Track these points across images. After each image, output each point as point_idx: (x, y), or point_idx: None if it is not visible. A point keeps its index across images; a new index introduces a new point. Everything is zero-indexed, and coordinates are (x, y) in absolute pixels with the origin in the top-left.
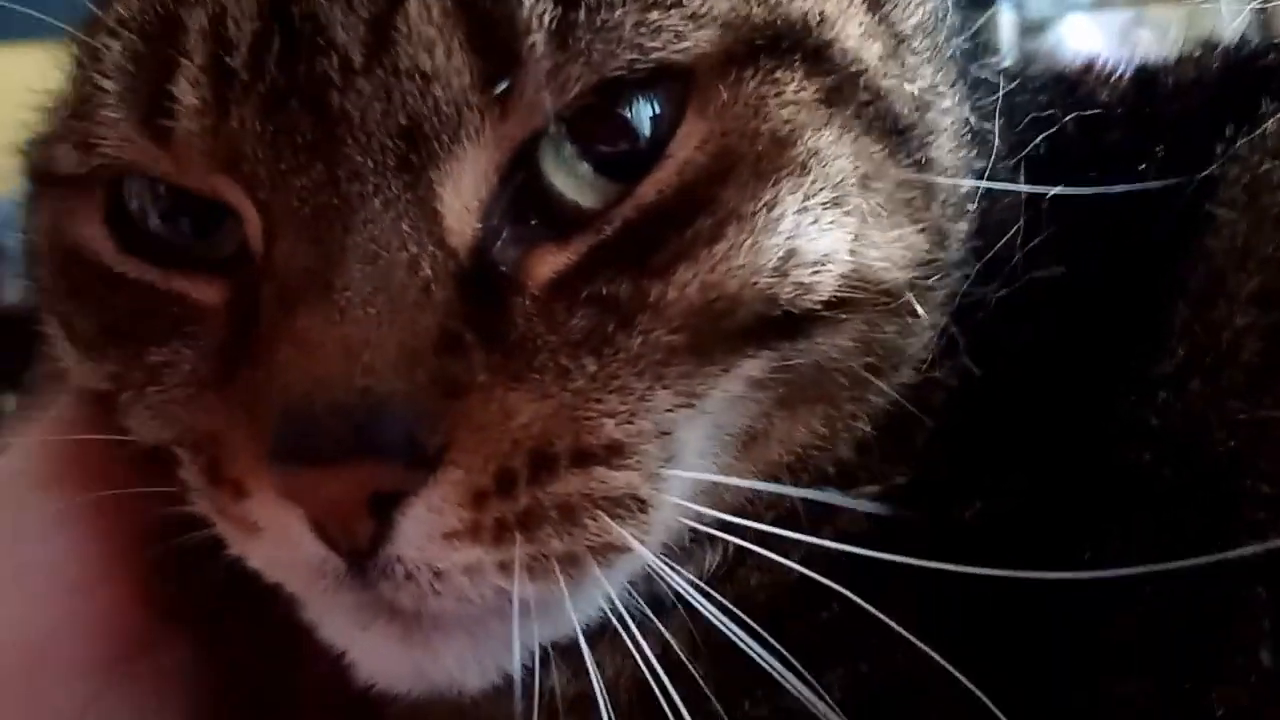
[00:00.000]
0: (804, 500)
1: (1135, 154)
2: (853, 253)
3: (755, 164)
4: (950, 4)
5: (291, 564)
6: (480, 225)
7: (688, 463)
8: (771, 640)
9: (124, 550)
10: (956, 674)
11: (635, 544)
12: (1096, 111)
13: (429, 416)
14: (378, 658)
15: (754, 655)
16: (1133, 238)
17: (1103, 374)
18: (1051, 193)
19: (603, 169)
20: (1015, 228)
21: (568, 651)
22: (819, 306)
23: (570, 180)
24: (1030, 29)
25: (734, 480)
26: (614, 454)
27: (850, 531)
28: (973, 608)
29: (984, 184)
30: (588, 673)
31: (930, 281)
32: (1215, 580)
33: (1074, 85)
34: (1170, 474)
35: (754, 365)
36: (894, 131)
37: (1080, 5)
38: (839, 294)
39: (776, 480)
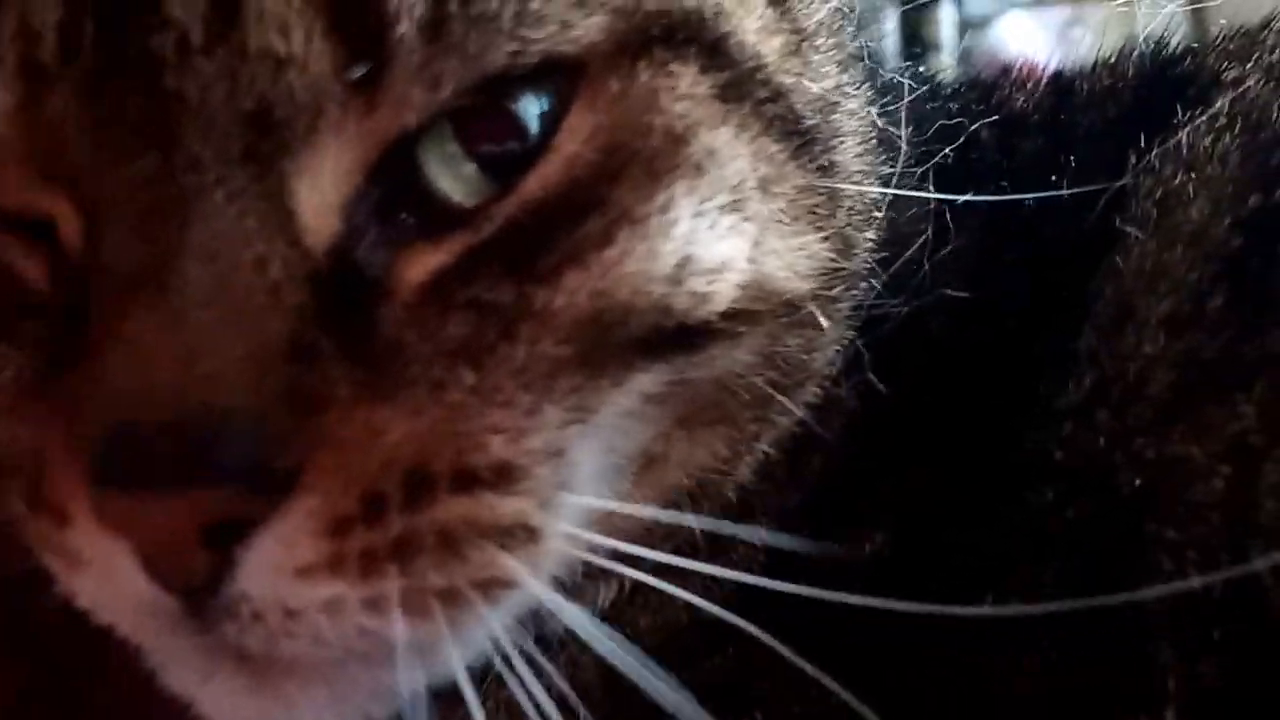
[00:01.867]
0: (704, 531)
1: (1047, 165)
2: (752, 260)
3: (649, 162)
4: (856, 2)
5: (120, 603)
6: (342, 225)
7: (582, 487)
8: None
9: None
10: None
11: (526, 578)
12: (1009, 119)
13: (278, 435)
14: (226, 709)
15: (653, 691)
16: (1043, 255)
17: (1009, 401)
18: (960, 200)
19: (488, 168)
20: (922, 239)
21: (444, 696)
22: (715, 318)
23: (453, 181)
24: (971, 25)
25: (630, 508)
26: (502, 477)
27: (748, 564)
28: (872, 650)
29: (890, 191)
30: (467, 717)
31: (834, 292)
32: (1119, 635)
33: (989, 92)
34: (1074, 514)
35: (648, 380)
36: (795, 133)
37: (1020, 2)
38: (737, 305)
39: (675, 508)
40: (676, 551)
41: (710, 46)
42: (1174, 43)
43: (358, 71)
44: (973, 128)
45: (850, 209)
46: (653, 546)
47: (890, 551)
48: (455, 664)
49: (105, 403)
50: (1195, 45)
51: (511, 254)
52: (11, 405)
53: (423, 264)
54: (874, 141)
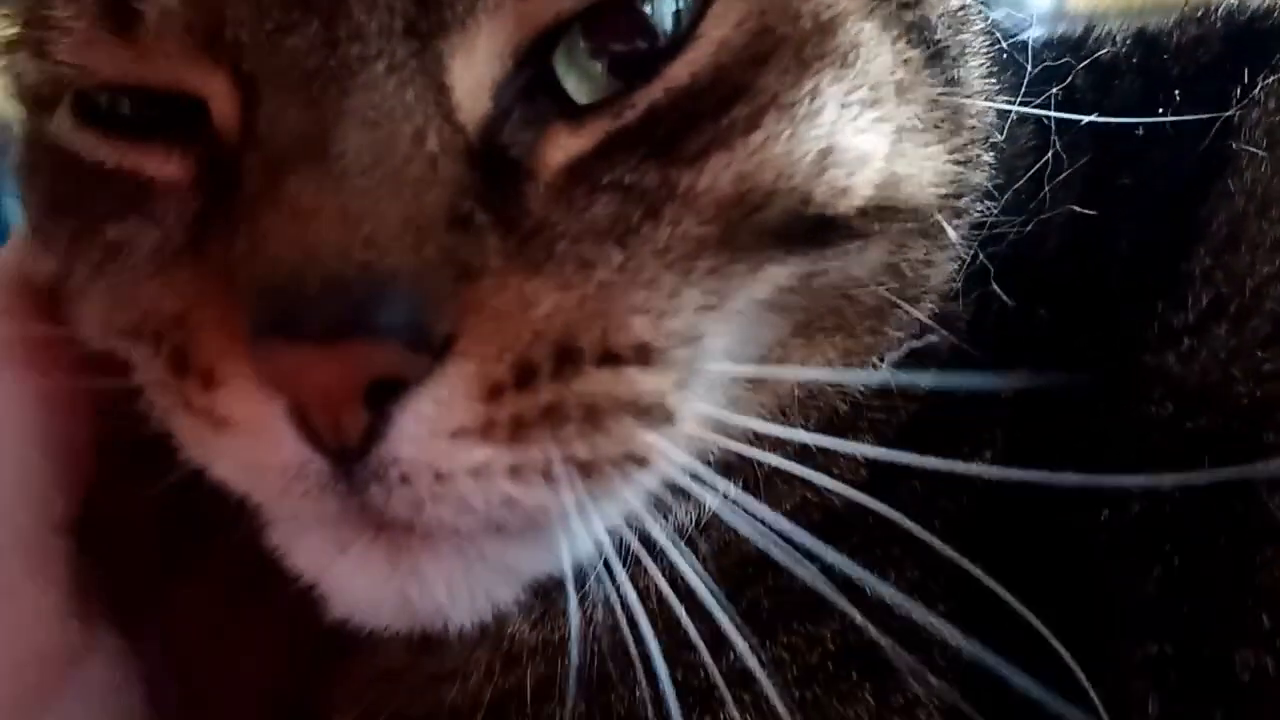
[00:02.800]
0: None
1: (1150, 100)
2: (888, 160)
3: (797, 49)
4: None
5: (266, 466)
6: (492, 105)
7: (712, 379)
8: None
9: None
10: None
11: (662, 454)
12: (1103, 65)
13: (437, 299)
14: (357, 584)
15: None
16: (1154, 179)
17: (1127, 317)
18: (1080, 122)
19: (618, 69)
20: (1039, 162)
21: (541, 592)
22: (852, 211)
23: (579, 82)
24: None
25: (742, 422)
26: (642, 357)
27: (850, 474)
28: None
29: (1014, 107)
30: (560, 615)
31: (960, 204)
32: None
33: (1078, 43)
34: (1192, 427)
35: (782, 272)
36: (928, 42)
37: None
38: (872, 202)
39: (785, 416)
40: (788, 456)
41: None
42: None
43: None
44: (1076, 68)
45: (973, 127)
46: (764, 448)
47: (1006, 461)
48: (591, 538)
49: (267, 262)
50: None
51: (656, 139)
52: (153, 274)
53: (564, 148)
54: (995, 63)
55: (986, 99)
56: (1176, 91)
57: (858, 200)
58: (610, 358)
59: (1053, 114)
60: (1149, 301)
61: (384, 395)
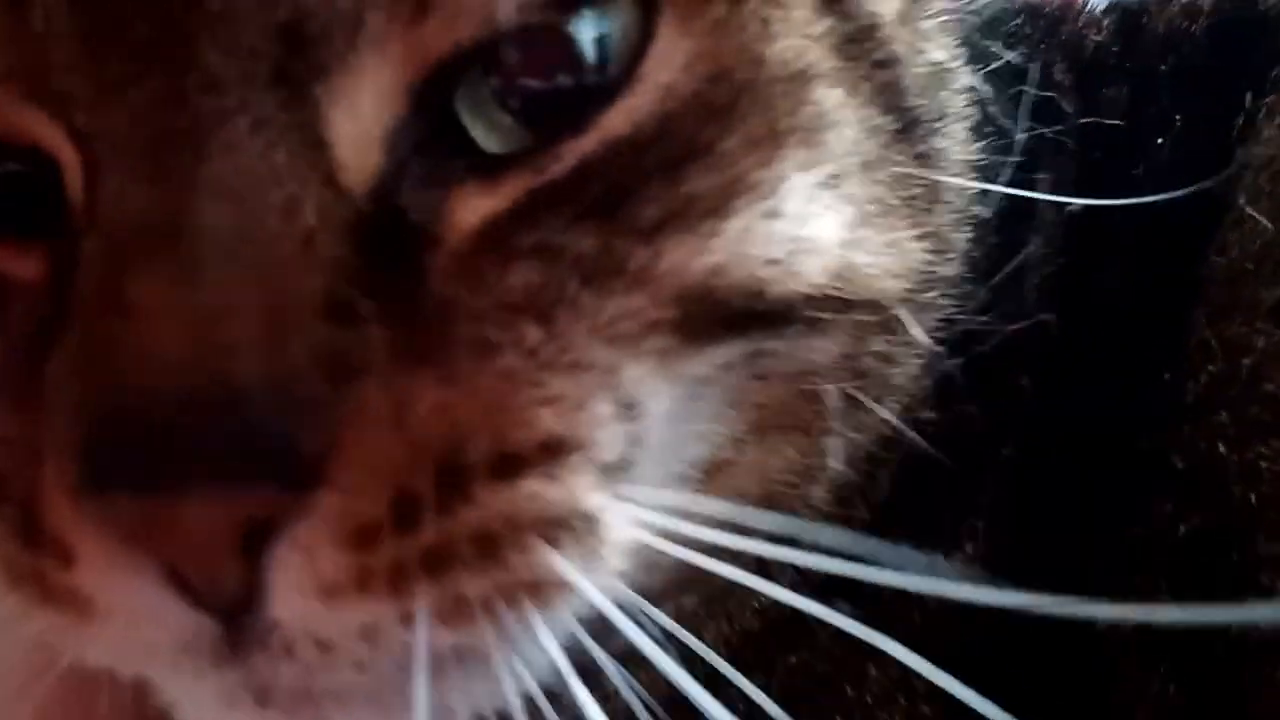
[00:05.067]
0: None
1: (1140, 114)
2: (844, 247)
3: (765, 106)
4: None
5: (149, 642)
6: (384, 160)
7: (651, 473)
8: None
9: None
10: None
11: (580, 578)
12: (1086, 62)
13: (310, 409)
14: None
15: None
16: (1150, 229)
17: (1122, 406)
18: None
19: (538, 114)
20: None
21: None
22: (799, 299)
23: (492, 130)
24: None
25: (702, 503)
26: (552, 455)
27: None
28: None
29: (995, 188)
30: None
31: (926, 298)
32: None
33: (1055, 25)
34: (1187, 529)
35: (730, 352)
36: (900, 109)
37: None
38: (822, 291)
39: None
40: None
41: None
42: None
43: None
44: (1048, 69)
45: (950, 203)
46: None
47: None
48: (517, 675)
49: (97, 387)
50: None
51: (592, 199)
52: None
53: (475, 209)
54: (977, 122)
55: (967, 172)
56: (1169, 103)
57: (804, 287)
58: (509, 464)
59: (1040, 196)
60: (1145, 379)
61: (259, 538)
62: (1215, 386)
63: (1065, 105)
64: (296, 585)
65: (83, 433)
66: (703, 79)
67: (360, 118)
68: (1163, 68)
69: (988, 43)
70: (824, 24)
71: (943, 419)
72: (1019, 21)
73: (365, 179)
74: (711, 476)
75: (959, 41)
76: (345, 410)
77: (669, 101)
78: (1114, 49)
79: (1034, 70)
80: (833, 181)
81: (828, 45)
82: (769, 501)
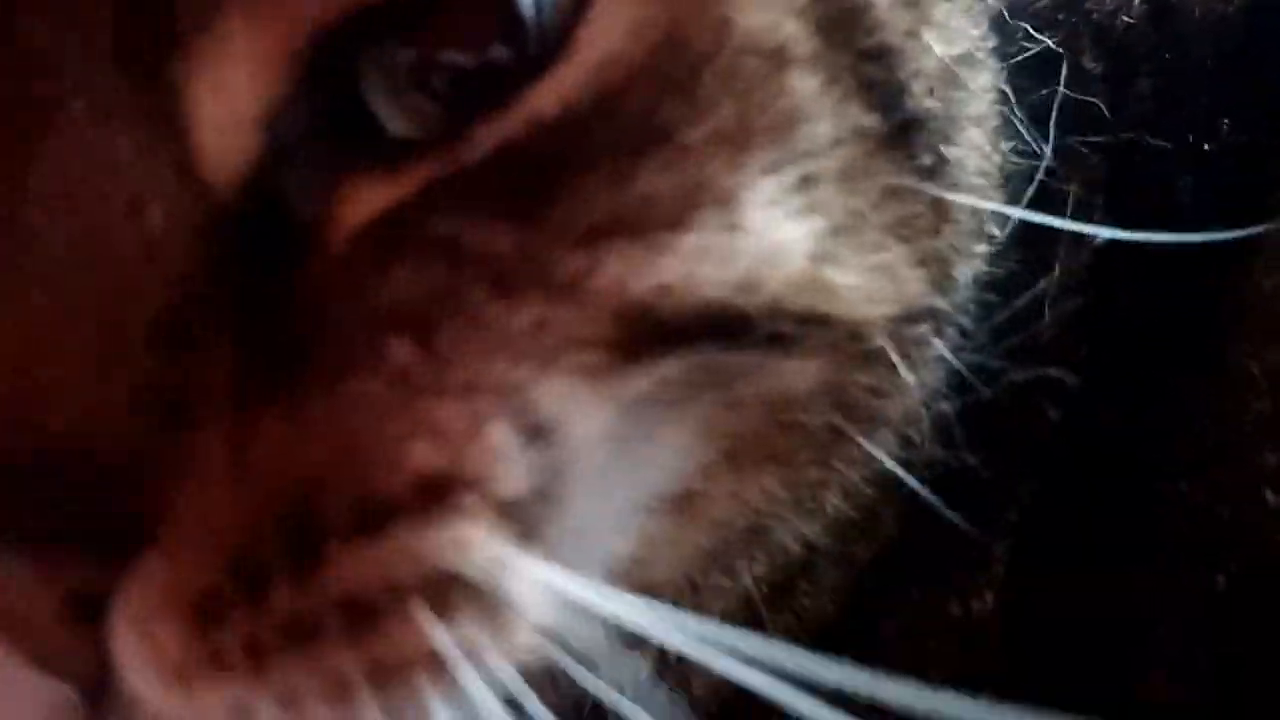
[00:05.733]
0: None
1: (1172, 116)
2: (814, 260)
3: (727, 95)
4: None
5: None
6: (260, 144)
7: (589, 508)
8: None
9: None
10: None
11: (479, 649)
12: (1113, 47)
13: (132, 462)
14: None
15: None
16: (1193, 257)
17: (1152, 459)
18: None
19: (457, 92)
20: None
21: None
22: (762, 311)
23: (402, 111)
24: None
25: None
26: (431, 496)
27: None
28: None
29: (1016, 212)
30: None
31: (917, 331)
32: None
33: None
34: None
35: (680, 365)
36: (895, 109)
37: None
38: (789, 305)
39: (725, 552)
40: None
41: None
42: None
43: None
44: (1076, 57)
45: (959, 223)
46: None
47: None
48: None
49: None
50: None
51: (512, 191)
52: None
53: (370, 199)
54: (998, 127)
55: (984, 191)
56: (1209, 102)
57: (764, 299)
58: (374, 513)
59: (1068, 224)
60: (1176, 430)
61: (92, 608)
62: (1220, 454)
63: (1099, 103)
64: (142, 663)
65: None
66: (656, 48)
67: (229, 96)
68: (1201, 57)
69: (1015, 26)
70: None
71: (946, 464)
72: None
73: (233, 169)
74: (681, 508)
75: (981, 30)
76: (175, 460)
77: (612, 75)
78: (1147, 32)
79: (1066, 62)
80: (804, 185)
81: (809, 21)
82: (754, 533)
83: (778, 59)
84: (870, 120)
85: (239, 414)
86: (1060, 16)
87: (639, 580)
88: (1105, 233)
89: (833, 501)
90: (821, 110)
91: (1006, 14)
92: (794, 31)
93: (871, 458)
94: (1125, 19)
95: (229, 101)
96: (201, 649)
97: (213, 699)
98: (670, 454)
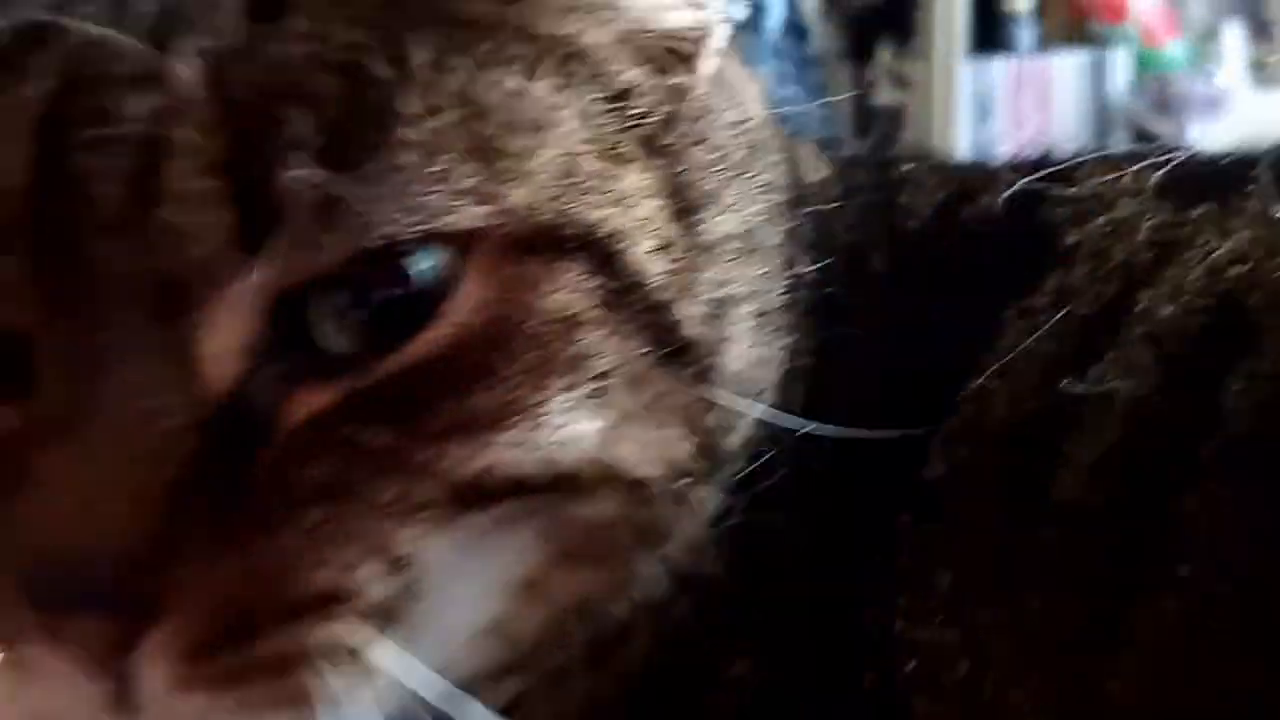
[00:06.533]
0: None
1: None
2: (602, 442)
3: (540, 346)
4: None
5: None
6: (243, 365)
7: (445, 597)
8: None
9: None
10: None
11: (348, 694)
12: (900, 243)
13: (147, 568)
14: None
15: None
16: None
17: (850, 583)
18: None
19: (377, 321)
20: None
21: None
22: (557, 478)
23: (337, 335)
24: None
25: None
26: (325, 604)
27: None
28: None
29: (758, 413)
30: None
31: (690, 483)
32: None
33: (893, 197)
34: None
35: (503, 509)
36: (668, 343)
37: None
38: (585, 472)
39: (560, 622)
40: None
41: (601, 258)
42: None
43: (249, 238)
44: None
45: (721, 409)
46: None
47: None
48: None
49: (19, 542)
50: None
51: (393, 404)
52: None
53: (308, 403)
54: (773, 331)
55: (747, 387)
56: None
57: (564, 470)
58: (295, 610)
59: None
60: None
61: (123, 649)
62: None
63: (864, 305)
64: (155, 682)
65: (16, 569)
66: (489, 319)
67: (223, 336)
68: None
69: (793, 250)
70: (594, 282)
71: (708, 583)
72: (860, 181)
73: (224, 385)
74: (525, 591)
75: (758, 257)
76: (173, 570)
77: (461, 334)
78: (922, 244)
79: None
80: (595, 395)
81: (594, 297)
82: (582, 608)
83: (570, 322)
84: (648, 349)
85: (214, 546)
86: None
87: (501, 638)
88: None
89: (647, 590)
90: (606, 348)
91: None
92: (582, 305)
93: (660, 567)
94: (913, 225)
95: (223, 340)
96: (190, 673)
97: (203, 702)
98: (509, 557)
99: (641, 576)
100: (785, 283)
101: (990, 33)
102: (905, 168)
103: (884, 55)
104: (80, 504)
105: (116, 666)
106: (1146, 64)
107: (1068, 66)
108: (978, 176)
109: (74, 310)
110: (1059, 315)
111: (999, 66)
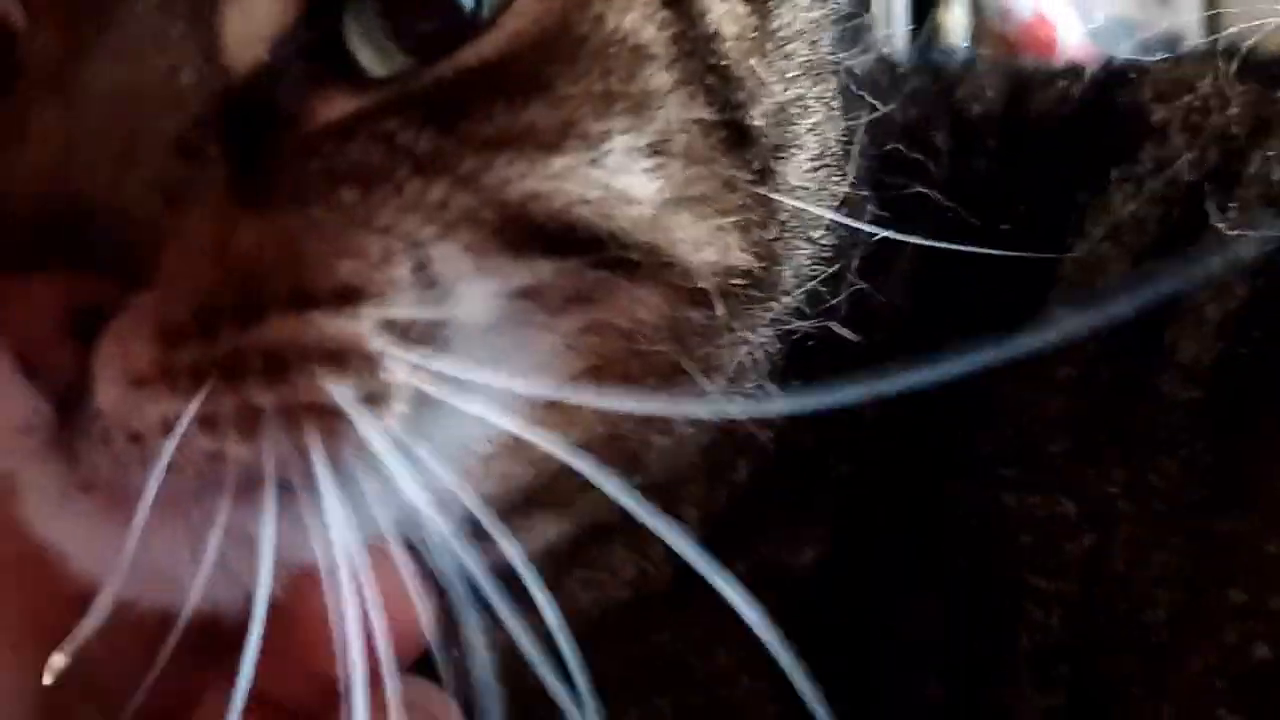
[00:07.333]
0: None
1: (995, 200)
2: (657, 209)
3: (599, 71)
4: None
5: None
6: (267, 56)
7: (465, 394)
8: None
9: None
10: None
11: (353, 407)
12: (964, 131)
13: (144, 223)
14: (80, 539)
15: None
16: (974, 307)
17: (931, 443)
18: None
19: (413, 48)
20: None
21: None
22: (608, 236)
23: (377, 56)
24: None
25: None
26: (343, 300)
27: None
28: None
29: (834, 217)
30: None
31: (743, 293)
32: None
33: (950, 88)
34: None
35: (547, 268)
36: (734, 124)
37: None
38: (633, 236)
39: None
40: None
41: None
42: (1118, 56)
43: None
44: (929, 132)
45: (785, 223)
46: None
47: (829, 559)
48: (334, 525)
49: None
50: (1137, 65)
51: (439, 108)
52: None
53: (340, 106)
54: (831, 159)
55: (808, 198)
56: (1020, 198)
57: (615, 228)
58: (302, 299)
59: (886, 233)
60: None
61: (88, 326)
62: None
63: (934, 169)
64: (113, 376)
65: None
66: (551, 28)
67: (252, 19)
68: (1029, 153)
69: (863, 93)
70: (664, 14)
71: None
72: (914, 81)
73: (245, 64)
74: (549, 411)
75: (820, 88)
76: (173, 228)
77: (519, 43)
78: (992, 123)
79: (912, 127)
80: (653, 152)
81: (667, 33)
82: (615, 447)
83: (638, 53)
84: (712, 118)
85: (226, 210)
86: (925, 92)
87: (520, 460)
88: (916, 240)
89: (679, 434)
90: (671, 100)
91: (852, 84)
92: (654, 36)
93: (709, 394)
94: (977, 110)
95: (249, 23)
96: (159, 366)
97: (155, 409)
98: (542, 358)
99: (682, 421)
100: (845, 130)
101: None
102: (953, 67)
103: None
104: (62, 151)
105: (66, 348)
106: None
107: None
108: (1036, 73)
109: None
110: (1164, 181)
111: None
